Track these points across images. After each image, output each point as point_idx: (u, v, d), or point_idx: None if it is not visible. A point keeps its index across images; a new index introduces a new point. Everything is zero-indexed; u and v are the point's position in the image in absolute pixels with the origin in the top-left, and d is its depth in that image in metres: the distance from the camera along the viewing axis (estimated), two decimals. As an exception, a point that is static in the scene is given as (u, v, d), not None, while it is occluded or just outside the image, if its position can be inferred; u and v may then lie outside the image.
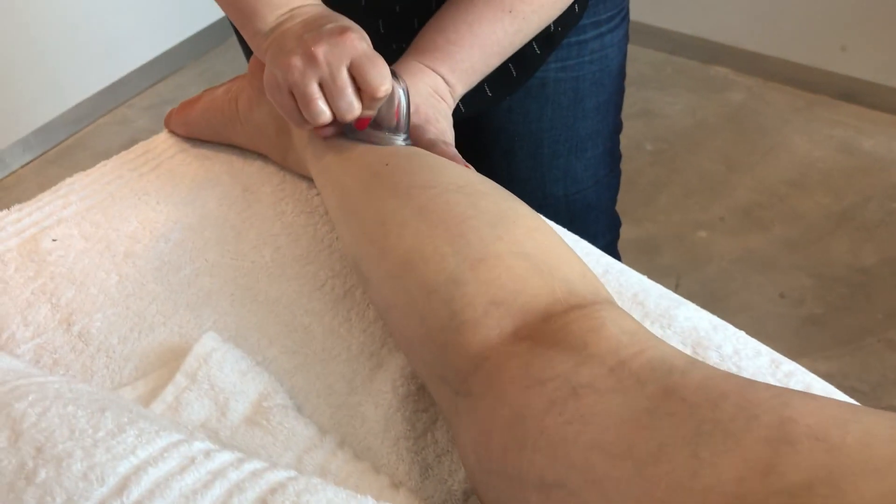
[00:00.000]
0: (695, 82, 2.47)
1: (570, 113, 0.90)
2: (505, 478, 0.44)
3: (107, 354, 0.67)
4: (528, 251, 0.53)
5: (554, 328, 0.48)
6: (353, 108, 0.63)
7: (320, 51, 0.61)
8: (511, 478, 0.44)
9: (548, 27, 0.80)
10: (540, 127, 0.90)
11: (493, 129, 0.91)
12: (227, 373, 0.61)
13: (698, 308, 0.65)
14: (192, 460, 0.43)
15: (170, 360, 0.65)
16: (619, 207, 1.07)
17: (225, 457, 0.44)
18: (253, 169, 0.83)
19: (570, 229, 0.75)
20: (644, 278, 0.68)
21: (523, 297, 0.50)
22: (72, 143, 2.51)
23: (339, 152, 0.68)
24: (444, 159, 0.64)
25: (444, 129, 0.71)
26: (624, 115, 1.02)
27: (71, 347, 0.67)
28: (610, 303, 0.52)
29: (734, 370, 0.59)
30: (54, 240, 0.77)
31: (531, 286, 0.51)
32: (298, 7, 0.67)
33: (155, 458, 0.42)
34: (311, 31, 0.63)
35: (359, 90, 0.62)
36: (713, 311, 1.85)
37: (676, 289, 1.80)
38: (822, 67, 2.32)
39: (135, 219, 0.79)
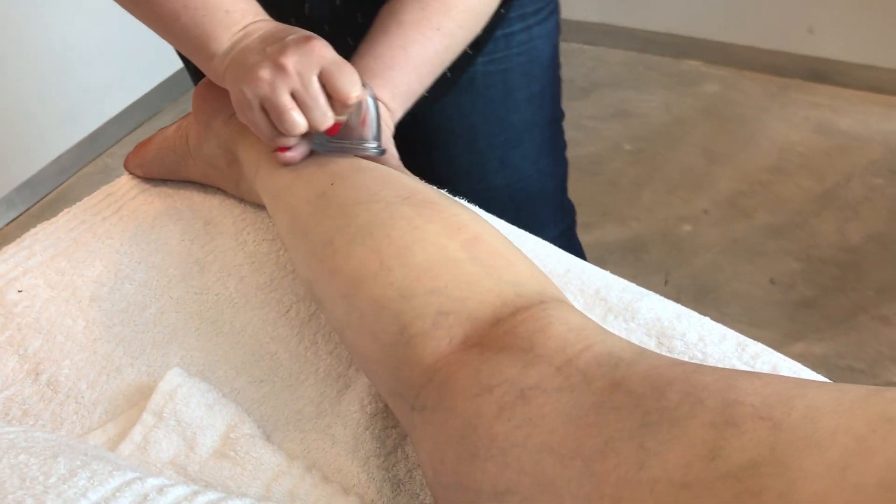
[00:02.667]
0: (668, 78, 2.47)
1: (501, 105, 0.91)
2: (461, 490, 0.44)
3: (76, 401, 0.66)
4: (475, 256, 0.53)
5: (502, 332, 0.47)
6: (328, 116, 0.62)
7: (289, 61, 0.60)
8: (467, 489, 0.43)
9: None
10: (473, 121, 0.91)
11: (430, 127, 0.92)
12: (194, 407, 0.61)
13: (661, 298, 0.64)
14: (145, 497, 0.42)
15: (138, 401, 0.65)
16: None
17: (179, 491, 0.43)
18: (214, 202, 0.83)
19: (517, 218, 0.75)
20: (606, 273, 0.67)
21: (471, 304, 0.50)
22: (55, 196, 2.52)
23: (288, 176, 0.67)
24: (389, 171, 0.64)
25: (392, 150, 0.71)
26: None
27: (40, 397, 0.67)
28: (558, 301, 0.52)
29: (700, 357, 0.58)
30: (20, 291, 0.77)
31: (478, 291, 0.51)
32: (252, 23, 0.66)
33: (107, 498, 0.42)
34: (273, 43, 0.63)
35: (329, 98, 0.62)
36: (704, 303, 1.85)
37: (666, 285, 1.80)
38: (791, 51, 2.33)
39: (99, 263, 0.79)
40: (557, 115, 1.00)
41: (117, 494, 0.42)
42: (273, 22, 0.67)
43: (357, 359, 0.57)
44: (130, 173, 0.90)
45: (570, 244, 1.09)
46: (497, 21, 0.84)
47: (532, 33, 0.89)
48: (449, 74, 0.85)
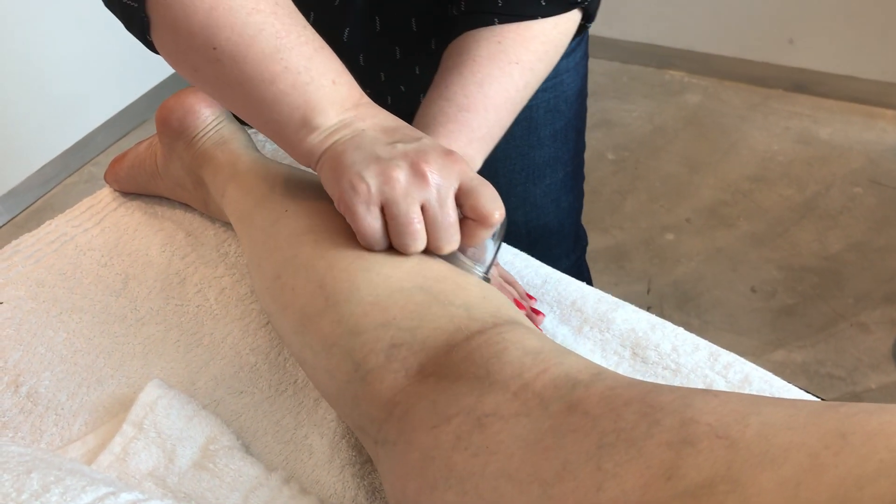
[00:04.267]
0: (651, 88, 2.50)
1: (524, 143, 0.87)
2: None
3: (56, 412, 0.66)
4: (422, 283, 0.52)
5: (457, 359, 0.47)
6: (454, 240, 0.54)
7: (431, 170, 0.52)
8: None
9: None
10: (494, 157, 0.85)
11: None
12: (174, 419, 0.61)
13: (637, 309, 0.65)
14: (120, 510, 0.43)
15: (118, 412, 0.65)
16: (585, 219, 1.06)
17: None
18: (195, 214, 0.84)
19: (531, 254, 0.72)
20: (582, 285, 0.68)
21: (423, 333, 0.49)
22: (40, 205, 2.51)
23: (250, 202, 0.66)
24: None
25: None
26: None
27: (20, 409, 0.67)
28: (513, 323, 0.51)
29: (673, 367, 0.59)
30: (0, 303, 0.77)
31: (429, 319, 0.50)
32: (362, 104, 0.57)
33: (81, 511, 0.42)
34: (406, 141, 0.54)
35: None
36: (686, 311, 1.86)
37: (648, 293, 1.81)
38: (772, 62, 2.35)
39: (80, 274, 0.79)
40: (581, 148, 0.95)
41: (91, 508, 0.42)
42: (380, 108, 0.58)
43: (319, 392, 0.57)
44: (110, 185, 0.90)
45: (580, 272, 1.05)
46: None
47: (559, 67, 0.83)
48: None
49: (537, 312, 0.61)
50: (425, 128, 0.64)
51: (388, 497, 0.48)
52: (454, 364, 0.47)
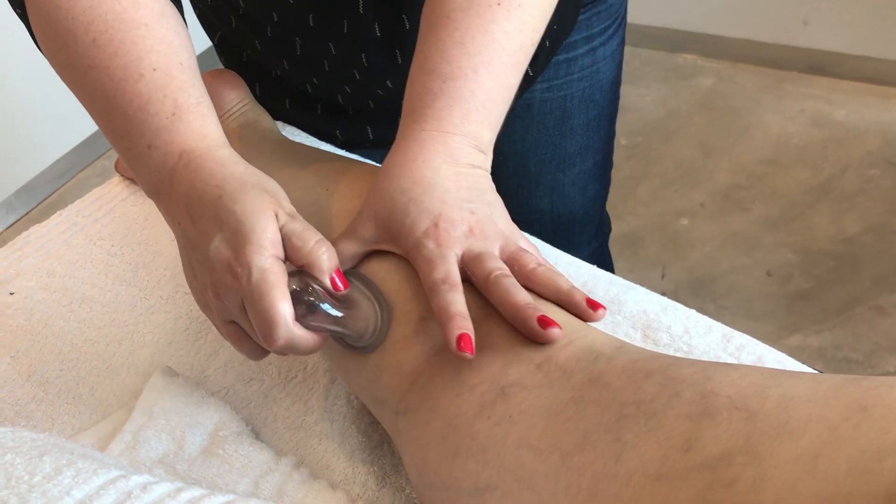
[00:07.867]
0: (663, 72, 2.47)
1: (556, 132, 0.84)
2: (444, 489, 0.44)
3: (67, 401, 0.67)
4: None
5: (482, 332, 0.47)
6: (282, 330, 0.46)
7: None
8: (449, 488, 0.44)
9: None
10: (525, 146, 0.84)
11: None
12: (182, 406, 0.61)
13: (648, 291, 0.64)
14: (129, 495, 0.43)
15: (129, 400, 0.65)
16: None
17: (163, 488, 0.44)
18: (204, 202, 0.83)
19: (553, 240, 0.70)
20: (593, 267, 0.68)
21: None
22: (55, 199, 2.52)
23: (282, 176, 0.65)
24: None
25: (491, 234, 0.51)
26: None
27: (32, 398, 0.67)
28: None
29: (685, 349, 0.59)
30: (12, 293, 0.78)
31: None
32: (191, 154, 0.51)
33: (91, 496, 0.42)
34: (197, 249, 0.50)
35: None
36: (701, 297, 1.84)
37: (663, 279, 1.80)
38: (786, 43, 2.32)
39: (90, 264, 0.79)
40: (611, 135, 0.93)
41: (101, 492, 0.42)
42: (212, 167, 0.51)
43: (336, 368, 0.57)
44: (121, 175, 0.90)
45: (602, 259, 1.04)
46: (561, 40, 0.78)
47: (596, 56, 0.81)
48: None
49: (596, 305, 0.49)
50: (412, 112, 0.54)
51: (408, 468, 0.48)
52: (479, 337, 0.47)
